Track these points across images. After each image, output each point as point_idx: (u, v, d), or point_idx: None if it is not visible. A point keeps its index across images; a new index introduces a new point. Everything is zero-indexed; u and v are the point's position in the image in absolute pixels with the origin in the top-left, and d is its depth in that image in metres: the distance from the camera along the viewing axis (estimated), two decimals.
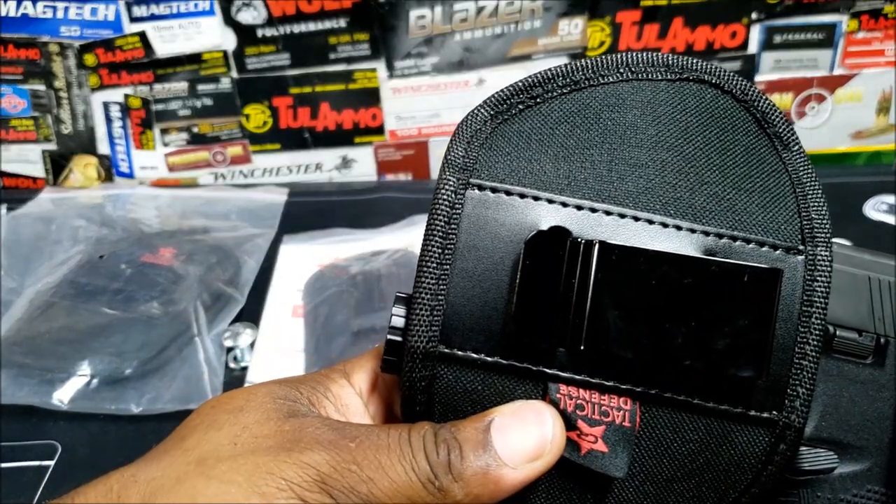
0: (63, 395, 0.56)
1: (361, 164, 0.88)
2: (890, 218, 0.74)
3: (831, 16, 0.80)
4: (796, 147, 0.30)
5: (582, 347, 0.27)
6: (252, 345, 0.61)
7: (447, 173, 0.29)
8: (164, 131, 0.87)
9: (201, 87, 0.84)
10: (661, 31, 0.81)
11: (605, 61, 0.30)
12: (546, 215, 0.28)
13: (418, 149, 0.87)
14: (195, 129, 0.87)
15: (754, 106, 0.30)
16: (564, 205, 0.29)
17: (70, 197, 0.84)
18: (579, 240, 0.28)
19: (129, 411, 0.56)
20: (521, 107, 0.30)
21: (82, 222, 0.77)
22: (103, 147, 0.88)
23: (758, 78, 0.83)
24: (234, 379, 0.59)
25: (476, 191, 0.29)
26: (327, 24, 0.81)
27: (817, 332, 0.28)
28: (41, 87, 0.85)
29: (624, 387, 0.28)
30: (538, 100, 0.30)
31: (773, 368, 0.28)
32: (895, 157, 0.87)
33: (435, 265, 0.28)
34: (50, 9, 0.81)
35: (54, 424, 0.55)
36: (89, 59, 0.83)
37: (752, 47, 0.82)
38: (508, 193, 0.29)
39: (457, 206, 0.28)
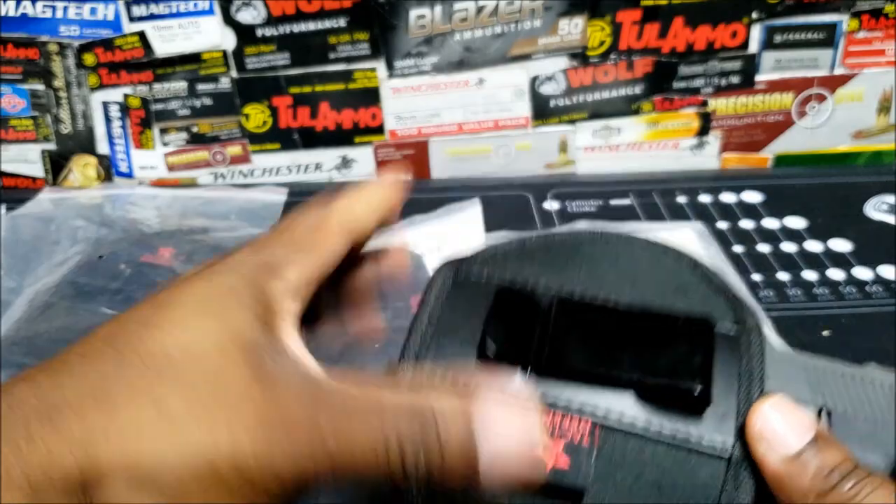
0: None
1: (361, 164, 0.88)
2: (891, 218, 0.74)
3: (832, 15, 0.80)
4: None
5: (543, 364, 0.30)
6: None
7: None
8: (163, 131, 0.87)
9: (201, 87, 0.84)
10: (662, 30, 0.81)
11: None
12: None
13: (418, 148, 0.87)
14: (194, 129, 0.87)
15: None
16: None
17: (69, 197, 0.84)
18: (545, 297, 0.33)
19: None
20: None
21: (81, 222, 0.77)
22: (102, 147, 0.88)
23: (758, 77, 0.83)
24: None
25: None
26: (327, 24, 0.81)
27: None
28: (40, 87, 0.84)
29: (582, 409, 0.29)
30: None
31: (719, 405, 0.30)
32: None
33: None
34: (49, 8, 0.81)
35: None
36: (88, 59, 0.83)
37: (753, 47, 0.82)
38: None
39: None
